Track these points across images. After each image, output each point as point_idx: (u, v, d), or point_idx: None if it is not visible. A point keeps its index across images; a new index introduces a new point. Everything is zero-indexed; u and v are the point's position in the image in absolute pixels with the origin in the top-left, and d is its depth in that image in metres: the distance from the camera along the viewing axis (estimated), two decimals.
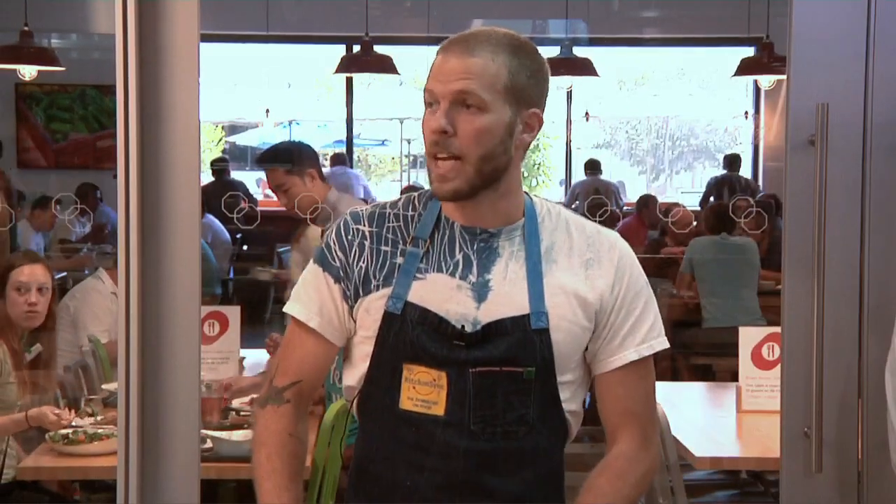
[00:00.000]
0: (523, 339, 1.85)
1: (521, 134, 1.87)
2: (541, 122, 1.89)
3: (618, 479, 1.89)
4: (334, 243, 1.95)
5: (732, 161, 10.04)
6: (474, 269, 1.89)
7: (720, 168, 10.40)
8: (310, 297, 1.95)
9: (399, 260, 1.90)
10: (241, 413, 3.80)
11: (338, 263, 1.94)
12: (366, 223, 1.95)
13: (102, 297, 4.75)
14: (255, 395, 3.95)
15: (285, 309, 1.98)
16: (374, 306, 1.89)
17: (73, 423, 3.66)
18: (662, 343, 1.95)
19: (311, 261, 1.98)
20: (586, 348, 1.93)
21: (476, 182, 1.83)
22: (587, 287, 1.90)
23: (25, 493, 3.74)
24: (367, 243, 1.93)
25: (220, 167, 9.91)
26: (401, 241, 1.92)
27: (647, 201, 8.62)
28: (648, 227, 8.34)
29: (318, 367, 1.97)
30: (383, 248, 1.92)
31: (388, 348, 1.88)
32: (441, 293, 1.87)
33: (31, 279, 4.01)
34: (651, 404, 1.98)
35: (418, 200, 1.96)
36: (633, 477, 1.91)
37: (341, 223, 1.97)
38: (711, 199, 9.58)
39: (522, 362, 1.86)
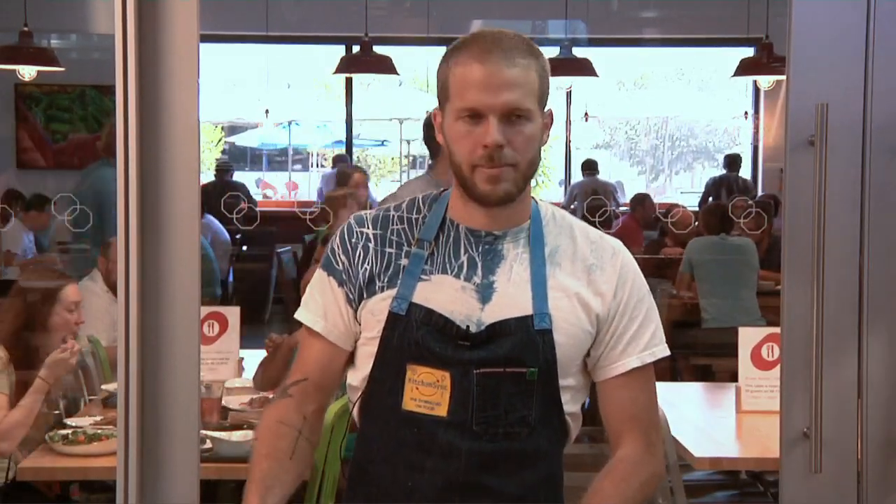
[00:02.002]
0: (527, 340, 1.86)
1: (543, 134, 1.90)
2: (552, 120, 1.93)
3: (622, 482, 1.89)
4: (338, 247, 1.96)
5: (733, 161, 10.04)
6: (479, 271, 1.90)
7: (720, 168, 10.41)
8: (315, 301, 1.97)
9: (404, 261, 1.91)
10: (241, 414, 3.80)
11: (341, 267, 1.94)
12: (370, 226, 1.96)
13: (98, 297, 4.75)
14: (253, 396, 3.96)
15: (296, 315, 2.00)
16: (378, 307, 1.90)
17: (74, 424, 3.66)
18: (664, 350, 1.96)
19: (318, 266, 1.99)
20: (588, 354, 1.94)
21: (521, 185, 1.87)
22: (590, 292, 1.91)
23: (24, 493, 3.74)
24: (371, 245, 1.94)
25: (224, 168, 9.93)
26: (405, 243, 1.93)
27: (642, 200, 8.63)
28: (643, 227, 8.34)
29: (326, 370, 1.97)
30: (388, 250, 1.93)
31: (392, 349, 1.88)
32: (446, 294, 1.88)
33: (79, 298, 4.08)
34: (653, 409, 1.98)
35: (423, 203, 1.98)
36: (637, 481, 1.91)
37: (345, 227, 1.98)
38: (710, 199, 9.59)
39: (526, 363, 1.86)
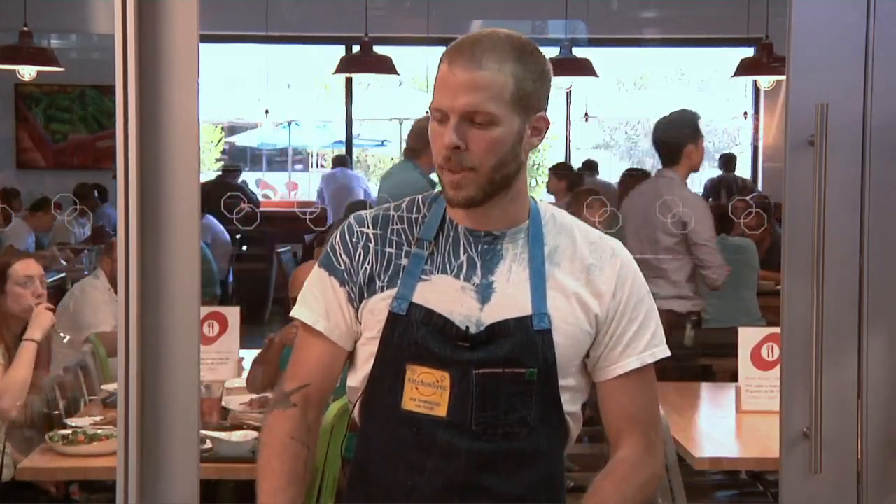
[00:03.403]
0: (526, 340, 1.86)
1: (529, 138, 1.88)
2: (548, 125, 1.90)
3: (622, 482, 1.89)
4: (339, 246, 1.95)
5: (728, 161, 10.02)
6: (478, 271, 1.90)
7: (718, 168, 10.40)
8: (316, 300, 1.96)
9: (404, 261, 1.91)
10: (240, 414, 3.80)
11: (342, 266, 1.94)
12: (370, 226, 1.95)
13: (99, 292, 4.84)
14: (253, 397, 3.96)
15: (292, 313, 1.98)
16: (378, 307, 1.90)
17: (74, 424, 3.66)
18: (664, 351, 1.96)
19: (317, 264, 1.98)
20: (587, 355, 1.94)
21: (488, 189, 1.85)
22: (588, 292, 1.91)
23: (24, 493, 3.74)
24: (371, 245, 1.93)
25: (229, 168, 9.92)
26: (405, 243, 1.93)
27: None
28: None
29: (327, 371, 1.96)
30: (388, 249, 1.93)
31: (391, 349, 1.88)
32: (446, 294, 1.88)
33: (35, 272, 4.01)
34: (653, 410, 1.98)
35: (422, 202, 1.97)
36: (637, 481, 1.91)
37: (345, 226, 1.98)
38: (709, 200, 9.58)
39: (525, 363, 1.86)
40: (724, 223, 6.31)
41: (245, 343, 4.49)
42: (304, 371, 1.96)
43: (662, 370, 2.01)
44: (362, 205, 7.98)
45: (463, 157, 1.82)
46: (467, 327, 1.86)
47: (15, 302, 3.95)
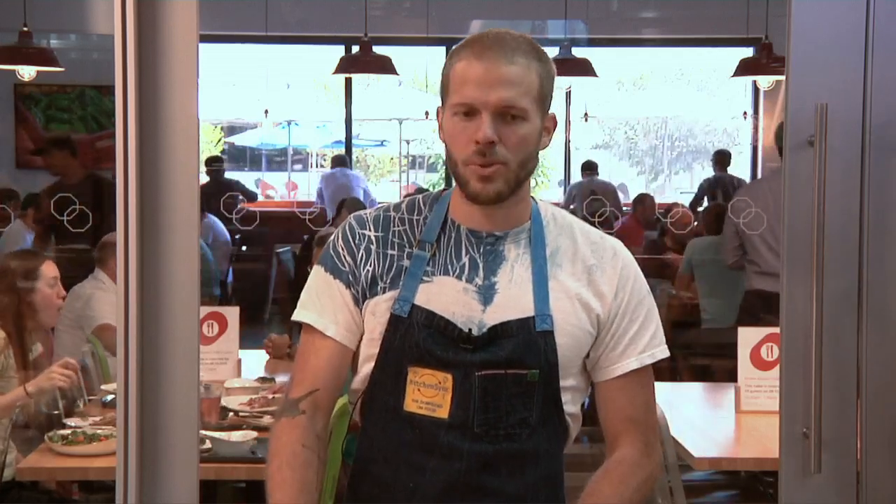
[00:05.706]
0: (528, 341, 1.86)
1: (542, 138, 1.88)
2: (555, 125, 1.92)
3: (620, 484, 1.90)
4: (342, 249, 1.95)
5: (722, 158, 9.99)
6: (480, 272, 1.89)
7: (712, 167, 10.38)
8: (323, 304, 1.94)
9: (405, 263, 1.91)
10: (240, 414, 3.80)
11: (347, 268, 1.93)
12: (371, 228, 1.95)
13: (107, 293, 4.80)
14: (253, 396, 3.96)
15: (297, 317, 1.96)
16: (380, 308, 1.90)
17: (73, 424, 3.66)
18: (663, 352, 1.97)
19: (320, 268, 1.96)
20: (588, 355, 1.94)
21: (513, 185, 1.86)
22: (590, 292, 1.91)
23: (24, 493, 3.74)
24: (373, 247, 1.93)
25: (216, 168, 9.89)
26: (407, 245, 1.93)
27: (642, 200, 8.63)
28: (644, 227, 8.34)
29: (337, 376, 1.94)
30: (390, 251, 1.92)
31: (393, 350, 1.88)
32: (448, 296, 1.88)
33: (57, 273, 4.08)
34: (652, 411, 1.99)
35: (423, 203, 1.97)
36: (634, 482, 1.91)
37: (346, 228, 1.97)
38: (704, 200, 9.58)
39: (527, 364, 1.86)
40: (721, 223, 6.31)
41: (245, 343, 4.49)
42: (312, 377, 1.93)
43: None
44: (354, 201, 8.00)
45: (497, 152, 1.82)
46: (470, 329, 1.86)
47: (44, 304, 3.99)
